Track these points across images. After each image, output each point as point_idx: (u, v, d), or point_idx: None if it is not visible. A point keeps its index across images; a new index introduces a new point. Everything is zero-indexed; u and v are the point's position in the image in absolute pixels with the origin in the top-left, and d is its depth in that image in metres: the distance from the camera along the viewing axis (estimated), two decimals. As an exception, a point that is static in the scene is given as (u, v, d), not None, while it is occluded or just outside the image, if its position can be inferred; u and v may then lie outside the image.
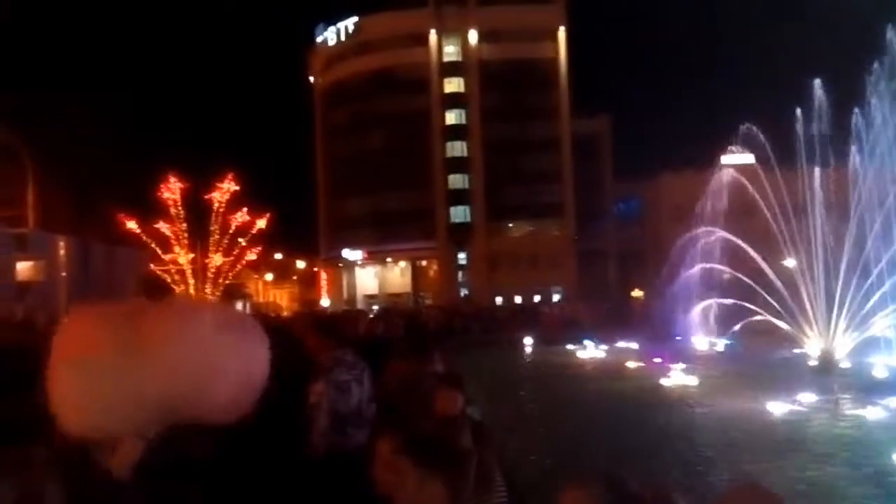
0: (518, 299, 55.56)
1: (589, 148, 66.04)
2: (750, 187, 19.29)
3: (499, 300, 55.57)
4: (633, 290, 45.98)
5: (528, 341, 24.26)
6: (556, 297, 54.26)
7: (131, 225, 23.75)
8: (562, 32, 65.88)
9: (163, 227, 24.78)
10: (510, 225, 64.85)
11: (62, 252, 11.80)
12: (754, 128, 19.30)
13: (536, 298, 54.38)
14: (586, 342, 21.50)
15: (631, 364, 17.71)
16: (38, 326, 8.70)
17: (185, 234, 24.13)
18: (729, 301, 20.07)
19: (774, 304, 18.04)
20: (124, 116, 79.58)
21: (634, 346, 20.29)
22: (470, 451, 2.24)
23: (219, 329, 2.19)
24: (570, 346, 21.83)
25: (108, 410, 2.05)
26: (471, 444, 2.52)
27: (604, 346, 21.07)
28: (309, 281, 75.44)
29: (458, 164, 65.71)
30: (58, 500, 1.70)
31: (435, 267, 65.35)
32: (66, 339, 2.18)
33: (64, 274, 11.33)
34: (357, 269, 67.10)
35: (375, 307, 41.16)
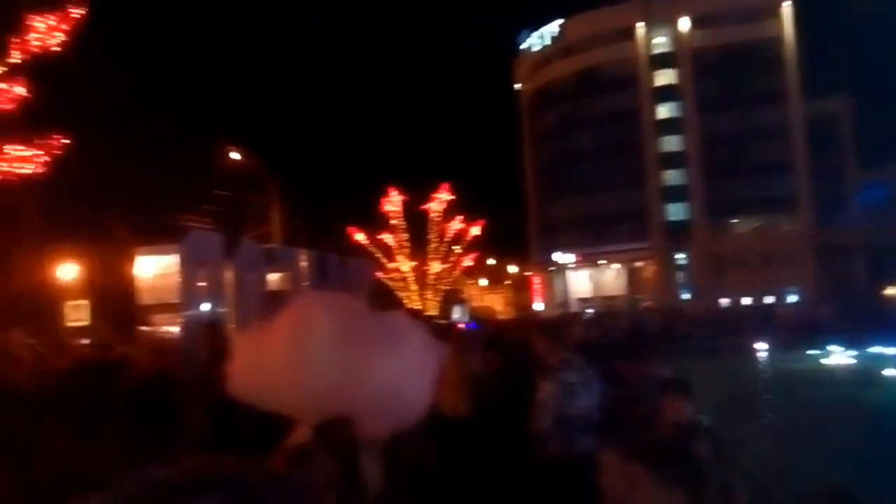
0: (747, 301, 51.47)
1: (825, 133, 59.36)
2: None
3: (724, 302, 51.93)
4: (884, 287, 40.66)
5: (760, 346, 22.37)
6: (791, 298, 49.46)
7: (359, 237, 25.67)
8: (786, 8, 60.14)
9: (386, 237, 26.51)
10: (734, 221, 60.34)
11: (303, 264, 13.19)
12: None
13: (768, 300, 49.95)
14: (831, 347, 19.42)
15: (889, 371, 15.66)
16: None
17: (406, 244, 25.64)
18: None
19: None
20: (349, 139, 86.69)
21: (892, 350, 17.90)
22: (708, 462, 2.09)
23: (419, 346, 2.30)
24: (811, 352, 19.86)
25: (288, 387, 2.21)
26: (708, 455, 2.35)
27: (853, 352, 18.87)
28: (521, 285, 76.26)
29: (673, 160, 62.64)
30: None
31: (652, 268, 62.80)
32: (285, 318, 2.39)
33: (306, 284, 12.66)
34: (569, 273, 66.57)
35: (590, 311, 40.54)
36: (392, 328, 2.36)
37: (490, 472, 4.04)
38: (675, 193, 62.37)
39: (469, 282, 70.65)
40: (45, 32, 5.63)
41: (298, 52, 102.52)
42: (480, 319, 26.48)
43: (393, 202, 25.28)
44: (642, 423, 2.54)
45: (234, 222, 31.78)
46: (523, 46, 71.59)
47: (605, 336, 8.07)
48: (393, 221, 26.44)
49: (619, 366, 4.39)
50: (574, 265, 65.26)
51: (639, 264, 63.79)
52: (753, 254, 56.85)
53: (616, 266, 64.17)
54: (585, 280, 65.94)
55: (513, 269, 75.80)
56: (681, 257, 62.09)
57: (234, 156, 28.18)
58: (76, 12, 5.68)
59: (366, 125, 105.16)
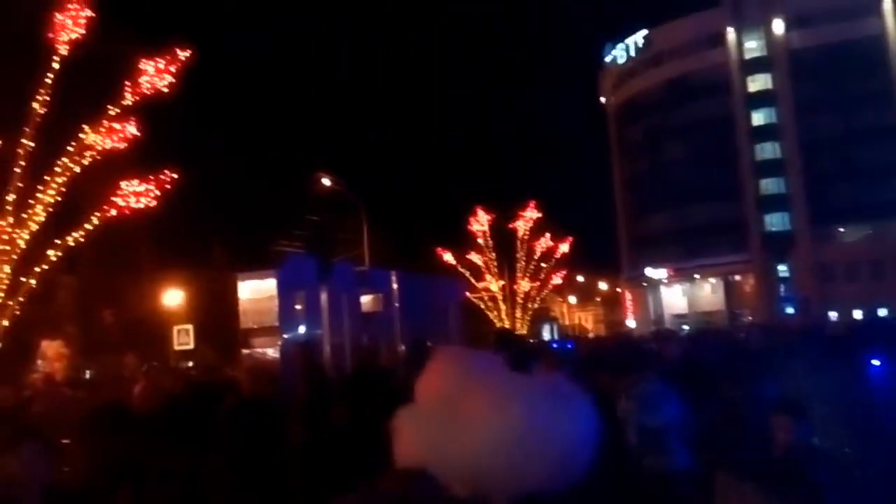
0: (857, 314, 48.32)
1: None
2: None
3: (833, 315, 48.97)
4: None
5: (876, 363, 20.87)
6: (908, 310, 46.04)
7: (447, 257, 25.87)
8: (888, 4, 56.80)
9: (474, 257, 26.59)
10: (841, 230, 56.97)
11: (395, 286, 13.47)
12: None
13: (881, 312, 46.70)
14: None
15: None
16: (381, 351, 9.91)
17: (494, 263, 25.63)
18: None
19: None
20: (436, 160, 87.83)
21: None
22: (824, 486, 1.97)
23: (560, 407, 2.28)
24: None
25: (434, 455, 2.21)
26: (824, 479, 2.22)
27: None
28: (612, 302, 74.74)
29: (770, 168, 59.95)
30: None
31: (751, 281, 60.07)
32: (426, 379, 2.42)
33: (397, 304, 12.90)
34: (662, 288, 64.59)
35: (685, 327, 39.06)
36: (565, 392, 2.37)
37: (602, 492, 3.93)
38: (774, 203, 59.61)
39: (558, 299, 69.80)
40: (155, 74, 6.03)
41: (384, 76, 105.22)
42: (576, 338, 26.05)
43: (480, 221, 25.37)
44: (752, 445, 2.43)
45: (326, 246, 32.77)
46: (608, 59, 70.79)
47: (704, 354, 7.77)
48: (480, 241, 26.52)
49: (722, 385, 4.21)
50: (667, 280, 63.30)
51: (737, 278, 61.17)
52: (862, 264, 53.42)
53: (712, 280, 61.79)
54: (679, 295, 63.80)
55: (603, 285, 74.43)
56: (783, 269, 59.13)
57: (325, 181, 29.13)
58: (182, 54, 6.06)
59: (452, 145, 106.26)
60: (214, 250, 36.09)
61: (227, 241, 35.41)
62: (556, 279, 33.70)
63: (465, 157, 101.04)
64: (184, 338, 26.02)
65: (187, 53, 6.07)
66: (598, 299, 77.10)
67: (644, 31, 66.42)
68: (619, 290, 71.90)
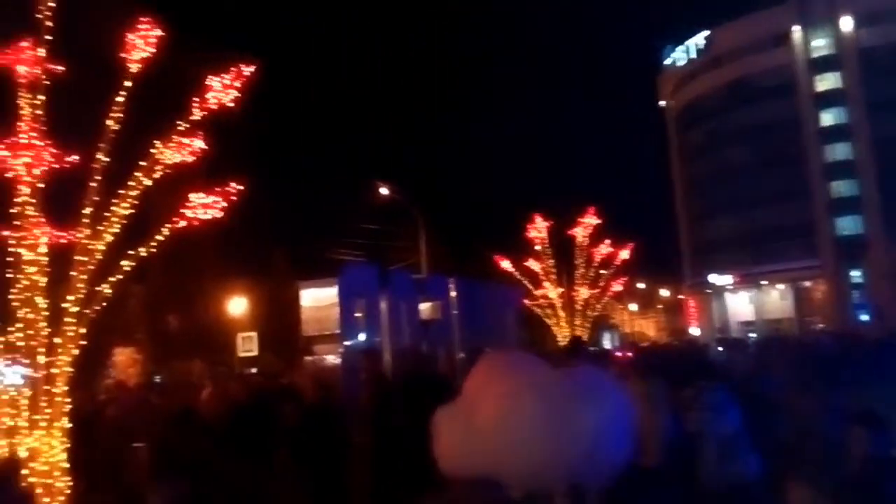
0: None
1: None
2: None
3: (911, 323, 46.63)
4: None
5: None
6: None
7: (505, 264, 25.79)
8: (969, -6, 54.07)
9: (532, 264, 26.42)
10: (918, 233, 54.31)
11: (453, 293, 13.50)
12: None
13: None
14: None
15: None
16: (439, 359, 9.95)
17: (553, 270, 25.38)
18: None
19: None
20: (492, 167, 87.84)
21: None
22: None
23: (619, 400, 2.29)
24: None
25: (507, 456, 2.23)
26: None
27: None
28: (675, 309, 73.14)
29: (841, 169, 57.70)
30: None
31: (822, 287, 57.82)
32: (477, 381, 2.43)
33: (455, 312, 12.91)
34: (727, 295, 62.80)
35: (752, 335, 37.85)
36: (589, 384, 2.38)
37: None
38: (845, 206, 57.32)
39: (619, 307, 68.70)
40: (221, 90, 6.22)
41: (441, 82, 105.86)
42: (639, 346, 25.57)
43: (538, 228, 25.20)
44: (827, 458, 2.34)
45: (383, 254, 33.14)
46: (667, 62, 69.64)
47: (774, 363, 7.52)
48: (538, 247, 26.35)
49: (794, 396, 4.07)
50: (732, 286, 61.50)
51: (807, 284, 58.99)
52: (944, 268, 50.74)
53: (780, 286, 59.72)
54: (746, 302, 61.91)
55: (665, 292, 72.94)
56: (856, 275, 56.71)
57: (382, 190, 29.51)
58: (247, 70, 6.23)
59: (509, 151, 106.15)
60: (275, 258, 36.94)
61: (287, 250, 36.17)
62: (617, 286, 33.13)
63: (522, 162, 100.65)
64: (248, 345, 26.73)
65: (252, 68, 6.24)
66: (660, 306, 75.67)
67: (705, 33, 65.12)
68: (681, 296, 70.32)
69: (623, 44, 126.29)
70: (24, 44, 6.02)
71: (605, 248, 27.94)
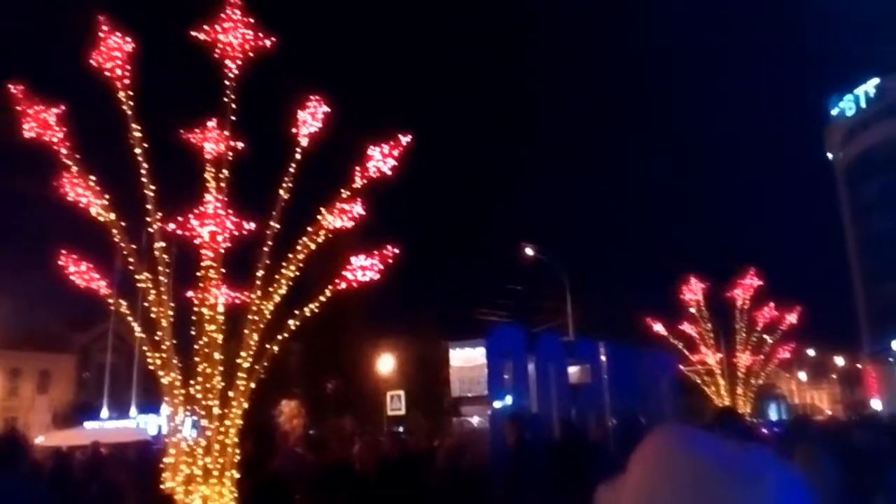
0: None
1: None
2: None
3: None
4: None
5: None
6: None
7: (657, 327, 24.75)
8: None
9: (687, 327, 25.15)
10: None
11: (602, 357, 13.06)
12: None
13: None
14: None
15: None
16: (590, 425, 9.62)
17: (710, 334, 23.96)
18: None
19: None
20: (644, 225, 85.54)
21: None
22: None
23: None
24: None
25: None
26: None
27: None
28: (851, 379, 66.37)
29: None
30: None
31: None
32: (640, 455, 2.31)
33: (605, 376, 12.46)
34: (916, 365, 56.06)
35: (950, 412, 33.22)
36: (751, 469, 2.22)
37: None
38: None
39: (786, 376, 63.50)
40: (380, 159, 6.64)
41: (586, 144, 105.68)
42: (797, 420, 23.38)
43: (693, 290, 24.01)
44: None
45: (530, 316, 32.90)
46: (834, 112, 65.43)
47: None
48: (693, 310, 25.06)
49: None
50: (922, 355, 54.88)
51: None
52: None
53: (982, 356, 52.52)
54: (939, 373, 54.91)
55: (840, 360, 66.81)
56: None
57: (528, 251, 29.54)
58: (404, 139, 6.62)
59: (661, 208, 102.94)
60: (423, 319, 37.78)
61: (434, 310, 36.95)
62: (783, 353, 30.67)
63: (676, 221, 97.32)
64: (396, 403, 27.31)
65: (408, 138, 6.62)
66: (834, 376, 69.15)
67: (875, 80, 60.67)
68: (859, 365, 63.80)
69: (785, 95, 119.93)
70: (211, 124, 6.76)
71: (768, 312, 26.07)
